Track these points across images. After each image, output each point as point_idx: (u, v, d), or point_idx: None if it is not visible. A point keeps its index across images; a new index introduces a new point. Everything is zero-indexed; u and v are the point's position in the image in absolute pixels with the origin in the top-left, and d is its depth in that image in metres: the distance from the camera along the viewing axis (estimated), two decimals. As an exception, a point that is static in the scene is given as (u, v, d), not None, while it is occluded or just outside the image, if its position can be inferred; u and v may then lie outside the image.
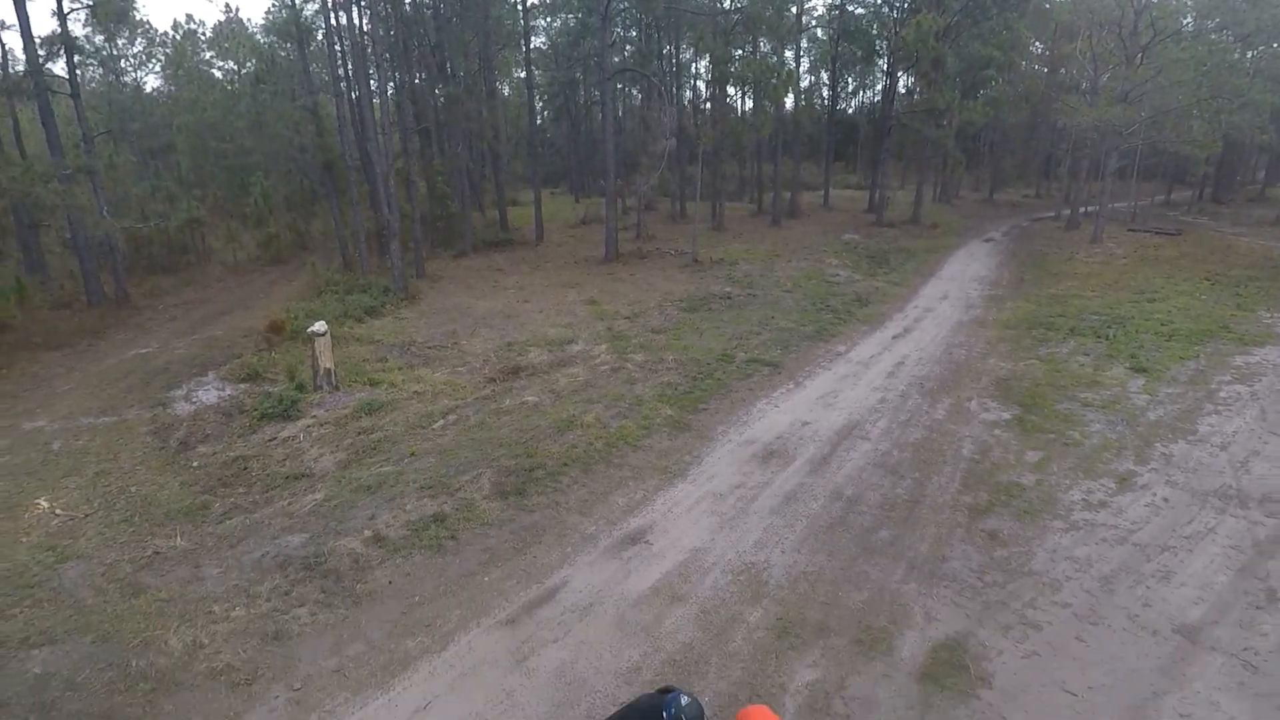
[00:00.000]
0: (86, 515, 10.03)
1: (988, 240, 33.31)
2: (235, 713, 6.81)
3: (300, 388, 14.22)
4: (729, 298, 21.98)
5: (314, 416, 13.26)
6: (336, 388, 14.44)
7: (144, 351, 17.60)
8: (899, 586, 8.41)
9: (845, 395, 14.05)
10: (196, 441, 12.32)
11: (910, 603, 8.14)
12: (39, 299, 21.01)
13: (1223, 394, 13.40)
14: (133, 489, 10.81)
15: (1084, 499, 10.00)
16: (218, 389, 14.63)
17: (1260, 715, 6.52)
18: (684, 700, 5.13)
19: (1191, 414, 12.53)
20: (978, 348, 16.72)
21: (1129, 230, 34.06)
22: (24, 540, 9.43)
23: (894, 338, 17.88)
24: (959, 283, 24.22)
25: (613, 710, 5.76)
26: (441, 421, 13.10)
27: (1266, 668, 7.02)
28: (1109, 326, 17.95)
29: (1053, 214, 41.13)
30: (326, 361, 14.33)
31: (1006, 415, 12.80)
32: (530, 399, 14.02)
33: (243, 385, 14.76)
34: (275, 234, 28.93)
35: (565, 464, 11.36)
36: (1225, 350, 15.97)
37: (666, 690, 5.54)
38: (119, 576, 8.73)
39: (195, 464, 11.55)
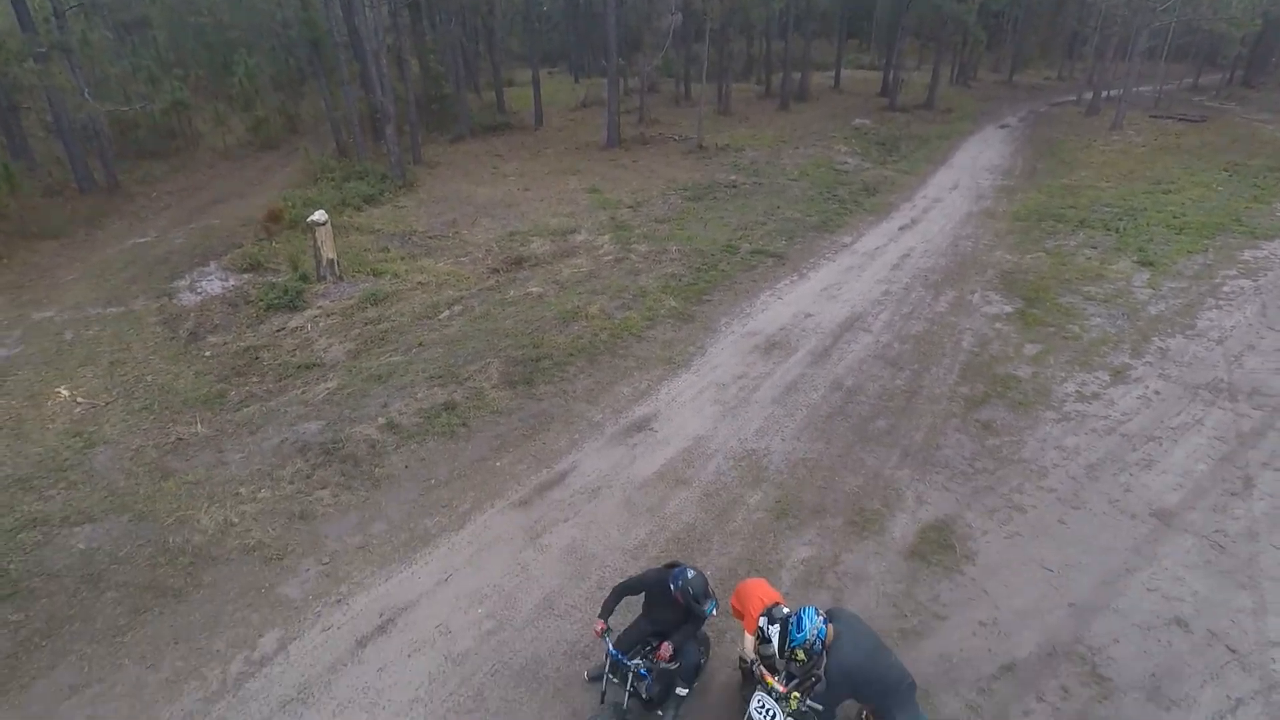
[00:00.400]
0: (107, 403, 10.32)
1: (1003, 126, 32.11)
2: (270, 584, 7.32)
3: (304, 278, 14.20)
4: (734, 186, 21.49)
5: (320, 307, 13.33)
6: (340, 278, 14.43)
7: (142, 241, 17.42)
8: (893, 472, 8.80)
9: (849, 287, 14.07)
10: (206, 332, 12.47)
11: (903, 487, 8.55)
12: (29, 186, 20.52)
13: (1226, 288, 13.42)
14: (149, 378, 11.05)
15: (1078, 391, 10.26)
16: (221, 279, 14.61)
17: (1221, 589, 7.02)
18: (690, 574, 5.54)
19: (1192, 308, 12.60)
20: (985, 240, 16.55)
21: (1151, 116, 32.75)
22: (50, 427, 9.76)
23: (901, 229, 17.66)
24: (970, 172, 23.60)
25: (621, 580, 6.21)
26: (447, 312, 13.19)
27: (1233, 548, 7.48)
28: (1120, 219, 17.67)
29: (1074, 98, 39.37)
30: (328, 252, 14.23)
31: (1009, 308, 12.88)
32: (534, 290, 14.05)
33: (246, 275, 14.73)
34: (264, 118, 27.80)
35: (571, 354, 11.56)
36: (1235, 244, 15.82)
37: (672, 565, 5.96)
38: (146, 461, 9.11)
39: (207, 354, 11.74)
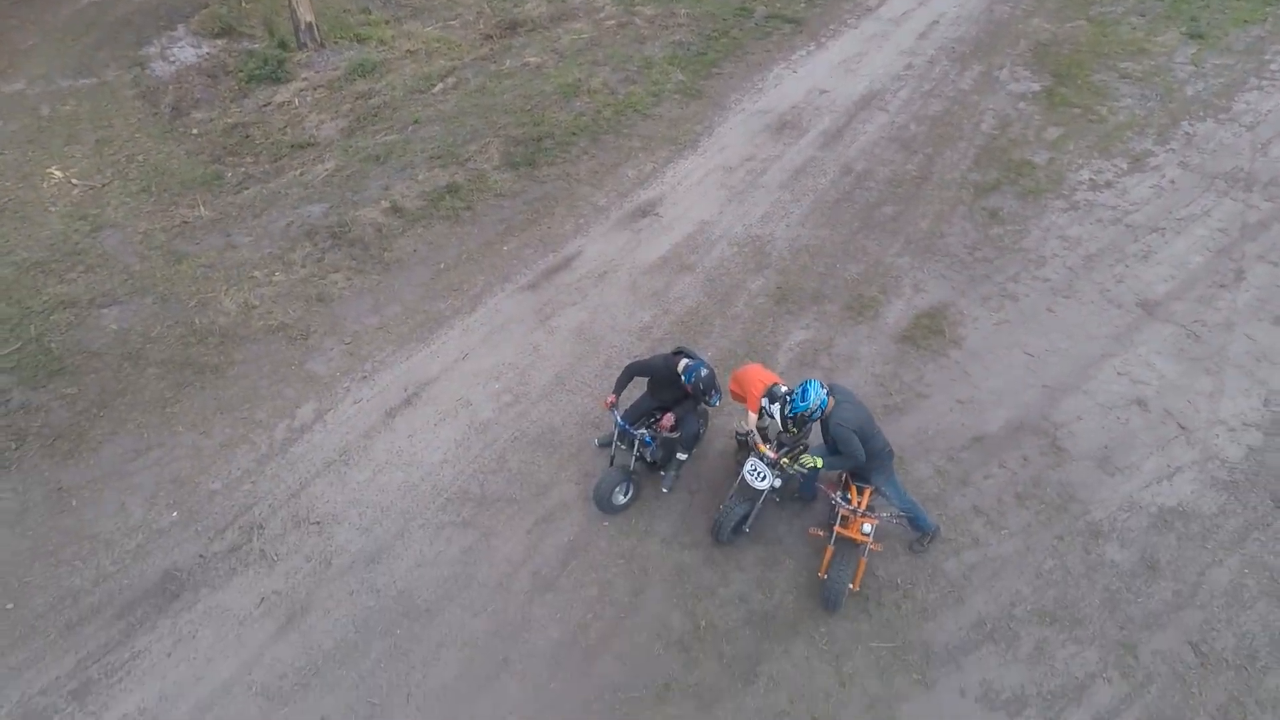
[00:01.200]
0: (103, 185, 10.15)
1: None
2: (298, 361, 7.83)
3: (283, 45, 13.15)
4: (751, -67, 18.97)
5: (305, 79, 12.53)
6: (321, 45, 13.35)
7: (97, -3, 15.79)
8: (894, 260, 8.96)
9: (869, 59, 13.08)
10: (189, 107, 11.85)
11: (902, 275, 8.76)
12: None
13: (1275, 65, 12.46)
14: (140, 158, 10.74)
15: (1091, 179, 10.04)
16: (194, 46, 13.52)
17: (1186, 372, 7.53)
18: (703, 372, 5.96)
19: (1232, 89, 11.83)
20: (1024, 4, 15.01)
21: None
22: (52, 209, 9.70)
23: (933, -11, 15.92)
24: (1021, -85, 20.66)
25: (628, 362, 6.67)
26: (440, 85, 12.43)
27: (1207, 336, 7.87)
28: (1178, -22, 15.84)
29: None
30: (305, 13, 13.00)
31: (1036, 87, 12.11)
32: (532, 59, 13.10)
33: (219, 41, 13.60)
34: None
35: (573, 133, 11.14)
36: (1298, 10, 14.38)
37: (678, 352, 6.36)
38: (157, 244, 9.20)
39: (194, 131, 11.29)
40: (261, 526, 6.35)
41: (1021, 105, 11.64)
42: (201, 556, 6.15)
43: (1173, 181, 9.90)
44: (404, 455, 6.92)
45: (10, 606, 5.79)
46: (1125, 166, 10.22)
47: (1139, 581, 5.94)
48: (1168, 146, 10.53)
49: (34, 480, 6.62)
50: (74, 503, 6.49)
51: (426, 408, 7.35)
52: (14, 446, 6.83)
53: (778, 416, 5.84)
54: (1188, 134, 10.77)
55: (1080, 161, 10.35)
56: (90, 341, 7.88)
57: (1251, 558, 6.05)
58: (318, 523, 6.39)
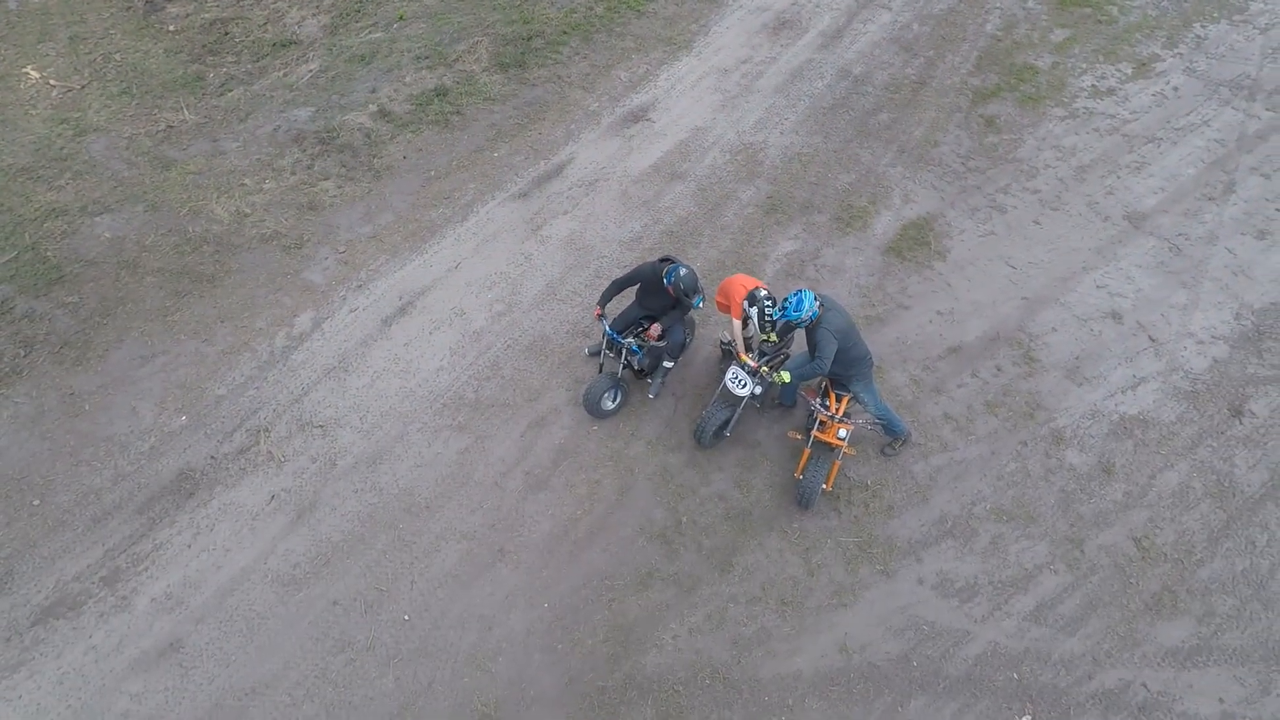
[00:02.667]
0: (82, 86, 9.88)
1: None
2: (294, 270, 7.95)
3: (256, -70, 12.42)
4: None
5: (282, -31, 11.91)
6: (297, -69, 12.61)
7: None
8: (886, 170, 8.91)
9: (876, -49, 12.41)
10: (163, 0, 11.34)
11: (893, 185, 8.75)
12: None
13: (1299, -41, 11.87)
14: (117, 56, 10.40)
15: (1093, 85, 9.80)
16: (162, -70, 12.76)
17: (1162, 284, 7.70)
18: (682, 271, 6.11)
19: (1252, -15, 11.32)
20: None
21: None
22: (33, 112, 9.49)
23: None
24: None
25: (618, 273, 6.81)
26: (424, -24, 11.84)
27: (1188, 249, 7.98)
28: None
29: None
30: (278, -105, 12.21)
31: (1047, -18, 11.57)
32: (520, -50, 12.42)
33: (189, -75, 12.83)
34: None
35: (565, 32, 10.75)
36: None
37: (666, 260, 6.50)
38: (143, 150, 9.09)
39: (171, 28, 10.85)
40: (268, 429, 6.69)
41: (1030, 3, 11.17)
42: (213, 457, 6.51)
43: (1176, 89, 9.68)
44: (401, 362, 7.18)
45: (37, 503, 6.20)
46: (1130, 72, 9.95)
47: (1093, 483, 6.35)
48: (1176, 50, 10.21)
49: (46, 386, 6.90)
50: (87, 407, 6.80)
51: (421, 316, 7.54)
52: (23, 354, 7.06)
53: (755, 319, 6.05)
54: (1199, 37, 10.41)
55: (1084, 66, 10.06)
56: (86, 250, 7.95)
57: (1201, 462, 6.44)
58: (321, 426, 6.72)
